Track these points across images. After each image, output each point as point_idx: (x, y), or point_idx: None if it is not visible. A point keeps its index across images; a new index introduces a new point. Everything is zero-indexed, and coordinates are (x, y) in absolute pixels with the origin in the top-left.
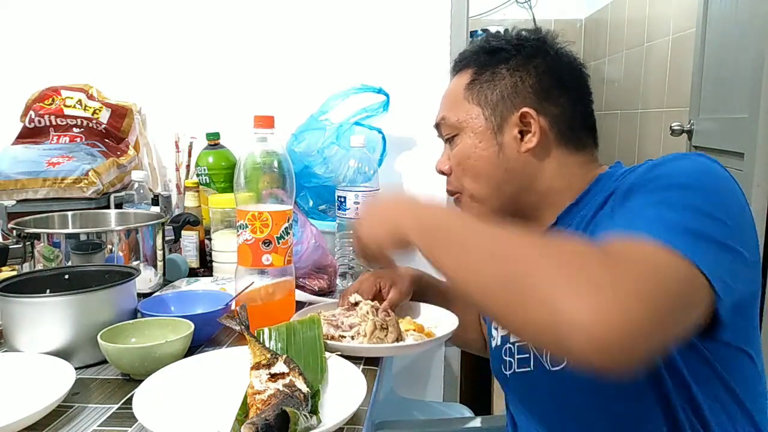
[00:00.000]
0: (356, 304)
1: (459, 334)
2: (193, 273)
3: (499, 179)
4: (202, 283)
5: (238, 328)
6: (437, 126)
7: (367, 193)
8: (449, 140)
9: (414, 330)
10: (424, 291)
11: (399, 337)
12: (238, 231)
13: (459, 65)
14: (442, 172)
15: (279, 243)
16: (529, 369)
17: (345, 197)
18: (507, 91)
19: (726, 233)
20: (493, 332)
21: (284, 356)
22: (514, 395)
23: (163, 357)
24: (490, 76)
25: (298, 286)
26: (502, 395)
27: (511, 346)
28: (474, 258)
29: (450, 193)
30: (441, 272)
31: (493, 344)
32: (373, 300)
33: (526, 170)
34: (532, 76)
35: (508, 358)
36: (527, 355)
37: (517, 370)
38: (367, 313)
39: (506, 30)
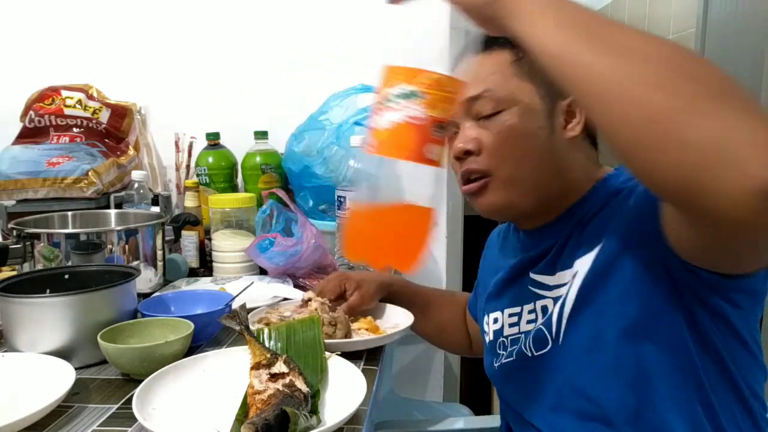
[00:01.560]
0: (308, 300)
1: (441, 337)
2: (193, 273)
3: (544, 163)
4: (202, 283)
5: (238, 328)
6: (472, 100)
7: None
8: (487, 117)
9: (367, 329)
10: (393, 298)
11: (348, 335)
12: (393, 99)
13: (490, 43)
14: (468, 152)
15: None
16: (512, 359)
17: (345, 197)
18: None
19: None
20: (485, 327)
21: (284, 356)
22: (502, 390)
23: (163, 357)
24: None
25: (298, 286)
26: None
27: (504, 339)
28: (629, 69)
29: (469, 175)
30: (573, 83)
31: (487, 340)
32: (336, 300)
33: (565, 156)
34: None
35: (501, 352)
36: (515, 347)
37: (503, 362)
38: (316, 309)
39: None
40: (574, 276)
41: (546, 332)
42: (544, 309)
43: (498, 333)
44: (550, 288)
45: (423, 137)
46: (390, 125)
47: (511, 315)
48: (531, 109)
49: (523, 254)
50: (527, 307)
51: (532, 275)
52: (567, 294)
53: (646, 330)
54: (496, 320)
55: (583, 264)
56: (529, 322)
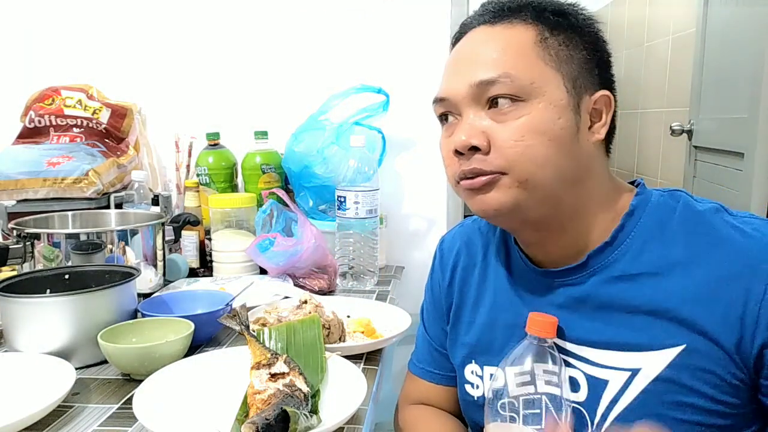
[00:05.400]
0: (305, 302)
1: None
2: (193, 273)
3: (565, 167)
4: (202, 283)
5: (238, 328)
6: (485, 84)
7: (367, 193)
8: (501, 108)
9: (363, 332)
10: None
11: (342, 338)
12: None
13: (509, 12)
14: (473, 148)
15: None
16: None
17: (345, 197)
18: (583, 65)
19: None
20: (477, 381)
21: (284, 356)
22: None
23: (163, 357)
24: (566, 40)
25: (298, 286)
26: None
27: (513, 400)
28: None
29: (476, 173)
30: None
31: (475, 395)
32: None
33: (586, 164)
34: (599, 60)
35: (506, 413)
36: (535, 410)
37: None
38: (310, 312)
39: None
40: (634, 374)
41: (584, 412)
42: (573, 381)
43: (500, 392)
44: (588, 362)
45: None
46: None
47: (519, 374)
48: (558, 104)
49: (541, 298)
50: (543, 366)
51: (565, 342)
52: (624, 389)
53: None
54: (493, 376)
55: (658, 358)
56: (548, 383)
